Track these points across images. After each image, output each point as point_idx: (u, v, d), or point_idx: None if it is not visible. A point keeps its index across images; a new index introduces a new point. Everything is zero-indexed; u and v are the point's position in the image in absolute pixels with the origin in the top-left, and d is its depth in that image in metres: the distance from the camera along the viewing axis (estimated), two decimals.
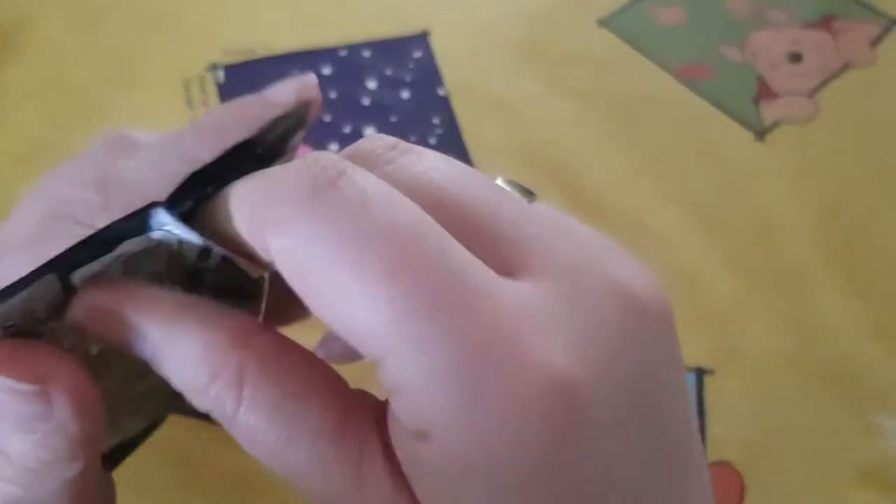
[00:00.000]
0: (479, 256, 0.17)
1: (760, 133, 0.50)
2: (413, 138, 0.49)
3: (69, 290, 0.20)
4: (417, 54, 0.53)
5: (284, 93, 0.26)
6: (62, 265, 0.20)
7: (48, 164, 0.48)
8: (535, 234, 0.19)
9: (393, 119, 0.50)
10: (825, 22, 0.54)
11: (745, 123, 0.50)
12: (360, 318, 0.17)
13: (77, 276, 0.20)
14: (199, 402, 0.18)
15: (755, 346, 0.42)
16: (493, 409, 0.16)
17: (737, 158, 0.49)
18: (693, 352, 0.42)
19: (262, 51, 0.53)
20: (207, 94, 0.51)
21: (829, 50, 0.53)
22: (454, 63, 0.53)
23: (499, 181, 0.21)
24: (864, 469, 0.39)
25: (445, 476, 0.17)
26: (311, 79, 0.27)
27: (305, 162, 0.18)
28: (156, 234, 0.20)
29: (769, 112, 0.51)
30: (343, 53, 0.53)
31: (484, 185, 0.19)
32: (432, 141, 0.49)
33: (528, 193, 0.21)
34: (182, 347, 0.18)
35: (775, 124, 0.50)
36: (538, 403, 0.16)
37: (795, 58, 0.53)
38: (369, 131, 0.50)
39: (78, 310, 0.20)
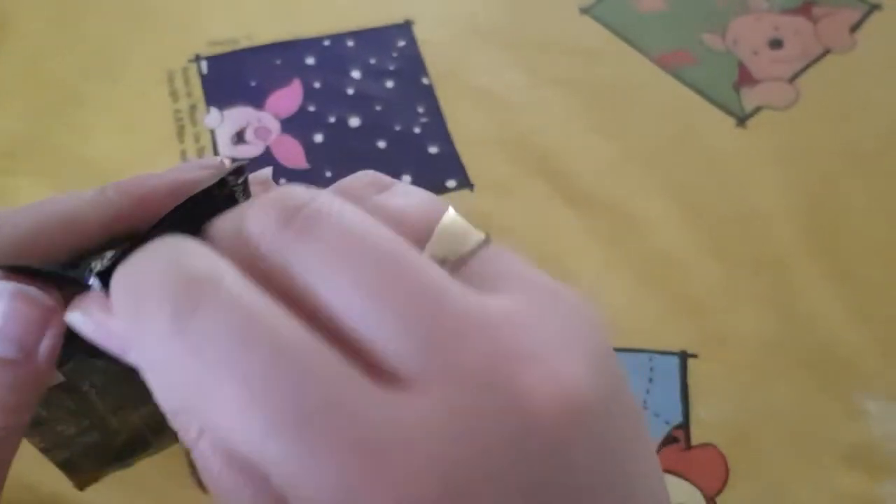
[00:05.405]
0: None
1: (742, 119, 0.50)
2: (398, 127, 0.49)
3: None
4: (401, 44, 0.53)
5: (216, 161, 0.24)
6: None
7: (31, 159, 0.48)
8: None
9: (377, 108, 0.50)
10: (805, 8, 0.55)
11: (726, 110, 0.50)
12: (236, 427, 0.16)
13: None
14: (172, 424, 0.19)
15: (739, 331, 0.43)
16: None
17: (719, 145, 0.49)
18: (677, 336, 0.42)
19: (245, 42, 0.53)
20: (191, 86, 0.51)
21: (810, 36, 0.53)
22: (438, 52, 0.53)
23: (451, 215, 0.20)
24: (848, 451, 0.39)
25: None
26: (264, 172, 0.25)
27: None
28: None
29: (750, 98, 0.51)
30: (327, 43, 0.53)
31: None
32: (417, 130, 0.49)
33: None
34: (156, 376, 0.18)
35: (756, 110, 0.50)
36: None
37: (776, 44, 0.53)
38: (354, 121, 0.50)
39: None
